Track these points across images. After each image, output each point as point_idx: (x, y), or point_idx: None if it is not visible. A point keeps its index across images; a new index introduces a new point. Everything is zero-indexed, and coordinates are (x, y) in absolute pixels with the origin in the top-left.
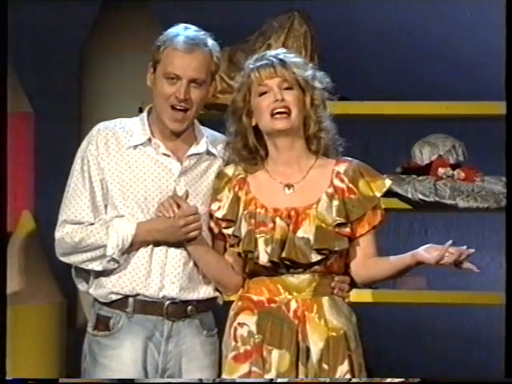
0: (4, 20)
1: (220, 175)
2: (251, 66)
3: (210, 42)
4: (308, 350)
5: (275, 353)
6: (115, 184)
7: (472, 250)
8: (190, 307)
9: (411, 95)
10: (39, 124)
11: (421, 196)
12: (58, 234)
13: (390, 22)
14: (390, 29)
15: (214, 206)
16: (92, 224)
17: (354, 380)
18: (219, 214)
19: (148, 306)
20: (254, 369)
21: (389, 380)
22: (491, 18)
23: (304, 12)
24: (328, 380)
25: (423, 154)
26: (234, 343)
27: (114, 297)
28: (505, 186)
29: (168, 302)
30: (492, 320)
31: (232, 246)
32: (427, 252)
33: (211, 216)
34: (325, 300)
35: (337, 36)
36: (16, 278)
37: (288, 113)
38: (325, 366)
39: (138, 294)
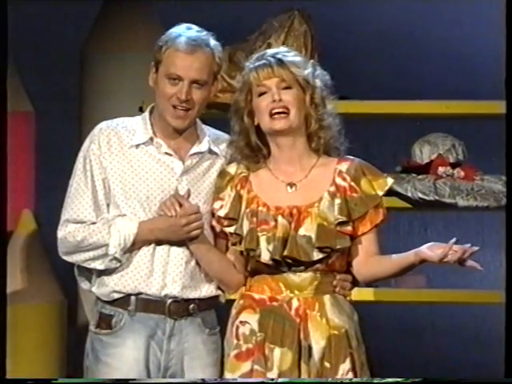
0: (4, 20)
1: (222, 174)
2: (251, 67)
3: (213, 42)
4: (310, 348)
5: (277, 351)
6: (117, 183)
7: (476, 248)
8: (192, 306)
9: (411, 94)
10: (40, 123)
11: (420, 195)
12: (60, 233)
13: (390, 22)
14: (389, 28)
15: (217, 205)
16: (94, 223)
17: (355, 380)
18: (221, 213)
19: (150, 305)
20: (255, 367)
21: (390, 380)
22: (491, 17)
23: (304, 11)
24: (329, 380)
25: (423, 152)
26: (235, 341)
27: (117, 295)
28: (504, 185)
29: (170, 301)
30: (492, 319)
31: (234, 244)
32: (431, 250)
33: (213, 214)
34: (326, 298)
35: (337, 35)
36: (16, 277)
37: (287, 112)
38: (327, 365)
39: (140, 293)
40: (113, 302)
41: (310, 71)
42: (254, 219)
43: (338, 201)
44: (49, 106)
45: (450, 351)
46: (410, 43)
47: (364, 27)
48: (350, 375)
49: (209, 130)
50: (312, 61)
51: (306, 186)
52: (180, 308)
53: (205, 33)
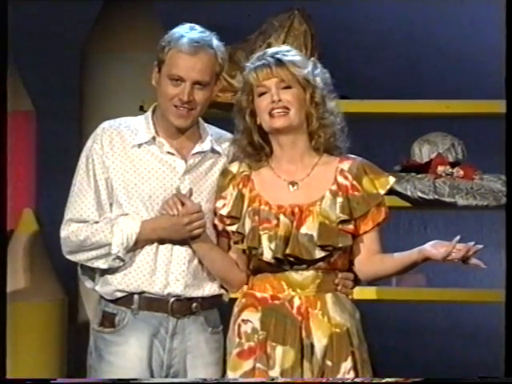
0: (4, 20)
1: (224, 173)
2: (251, 67)
3: (215, 42)
4: (312, 346)
5: (279, 349)
6: (120, 182)
7: (480, 246)
8: (194, 304)
9: (411, 94)
10: (40, 122)
11: (420, 194)
12: (63, 233)
13: (389, 22)
14: (389, 28)
15: (219, 204)
16: (97, 222)
17: (356, 380)
18: (224, 212)
19: (153, 303)
20: (258, 365)
21: (391, 380)
22: (491, 17)
23: (304, 11)
24: (330, 379)
25: (422, 152)
26: (238, 340)
27: (120, 294)
28: (504, 184)
29: (173, 299)
30: (492, 318)
31: (236, 242)
32: (434, 248)
33: (215, 213)
34: (328, 297)
35: (337, 35)
36: (17, 275)
37: (286, 111)
38: (328, 363)
39: (143, 292)
40: (116, 301)
41: (310, 70)
42: (256, 218)
43: (339, 199)
44: (49, 106)
45: (449, 350)
46: (409, 42)
47: (364, 27)
48: (352, 373)
49: (211, 129)
50: (312, 59)
51: (307, 185)
52: (183, 307)
53: (208, 33)
